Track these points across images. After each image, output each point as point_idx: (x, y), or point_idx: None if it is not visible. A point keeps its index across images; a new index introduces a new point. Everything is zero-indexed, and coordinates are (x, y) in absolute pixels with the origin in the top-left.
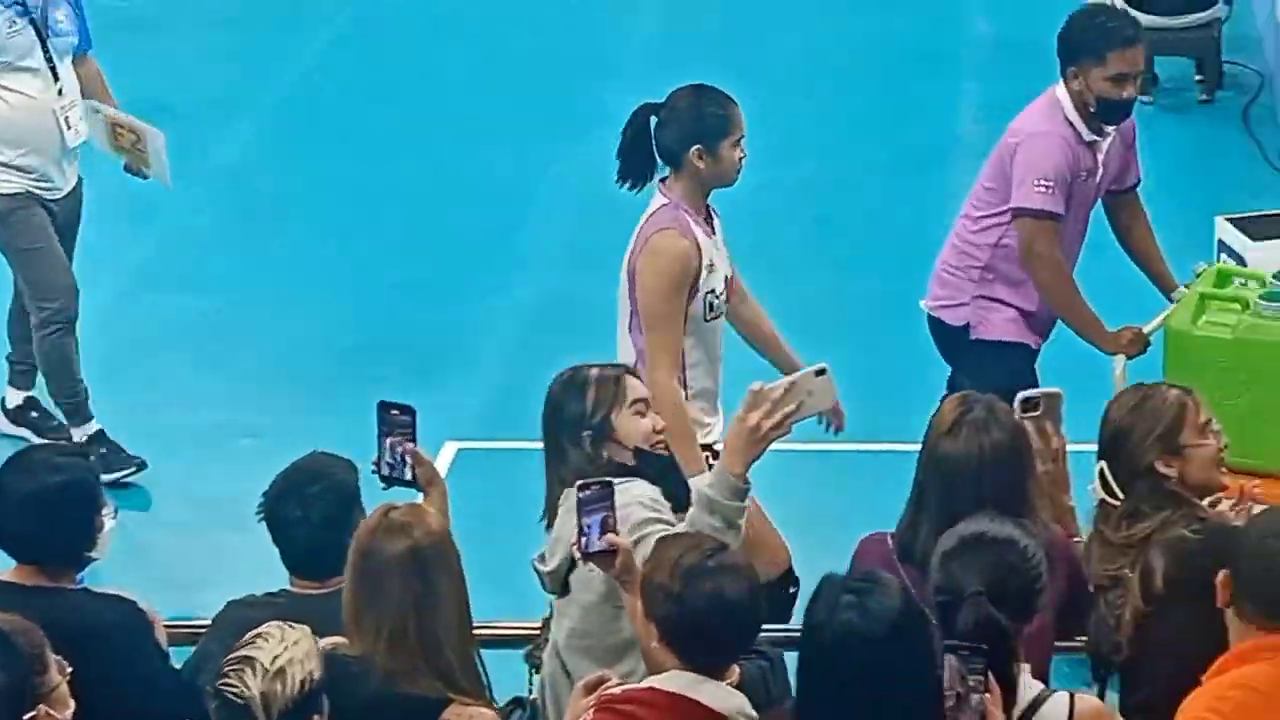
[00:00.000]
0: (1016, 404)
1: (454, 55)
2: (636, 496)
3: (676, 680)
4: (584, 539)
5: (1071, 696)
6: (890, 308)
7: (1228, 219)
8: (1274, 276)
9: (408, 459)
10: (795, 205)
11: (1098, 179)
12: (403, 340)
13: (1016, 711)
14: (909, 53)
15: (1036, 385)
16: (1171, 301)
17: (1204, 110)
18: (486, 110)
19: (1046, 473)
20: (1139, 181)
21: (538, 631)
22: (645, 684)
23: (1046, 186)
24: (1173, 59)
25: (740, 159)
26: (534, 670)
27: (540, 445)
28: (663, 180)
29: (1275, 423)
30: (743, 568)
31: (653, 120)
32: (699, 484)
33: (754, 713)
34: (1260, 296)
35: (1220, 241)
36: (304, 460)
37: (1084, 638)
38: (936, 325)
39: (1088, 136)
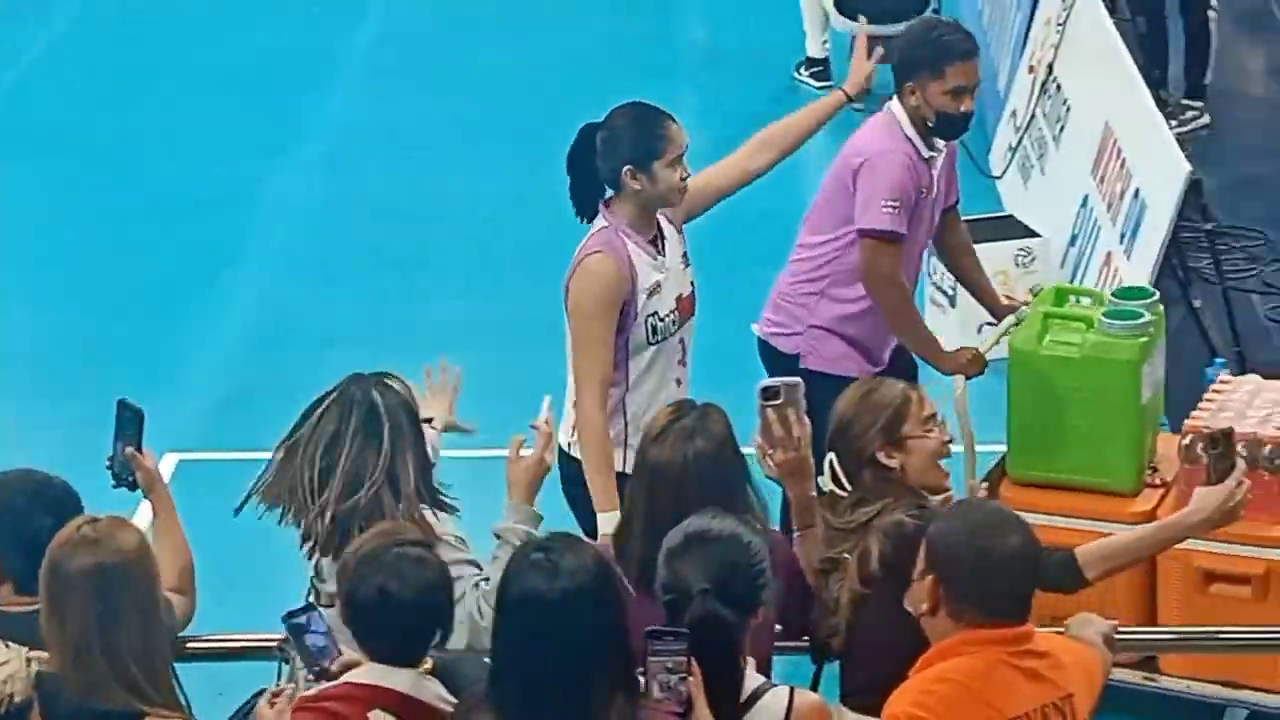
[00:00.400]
0: (757, 392)
1: (167, 64)
2: (442, 535)
3: (370, 673)
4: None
5: (792, 690)
6: None
7: None
8: (1115, 294)
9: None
10: (514, 212)
11: (934, 195)
12: (121, 352)
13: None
14: (628, 60)
15: None
16: (998, 320)
17: None
18: (204, 119)
19: (787, 461)
20: (959, 199)
21: (265, 642)
22: (340, 680)
23: (893, 207)
24: (886, 67)
25: (681, 178)
26: (284, 663)
27: (263, 455)
28: (606, 202)
29: (1120, 441)
30: (410, 563)
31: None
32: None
33: (450, 697)
34: (1105, 315)
35: None
36: (12, 475)
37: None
38: (767, 350)
39: (925, 153)
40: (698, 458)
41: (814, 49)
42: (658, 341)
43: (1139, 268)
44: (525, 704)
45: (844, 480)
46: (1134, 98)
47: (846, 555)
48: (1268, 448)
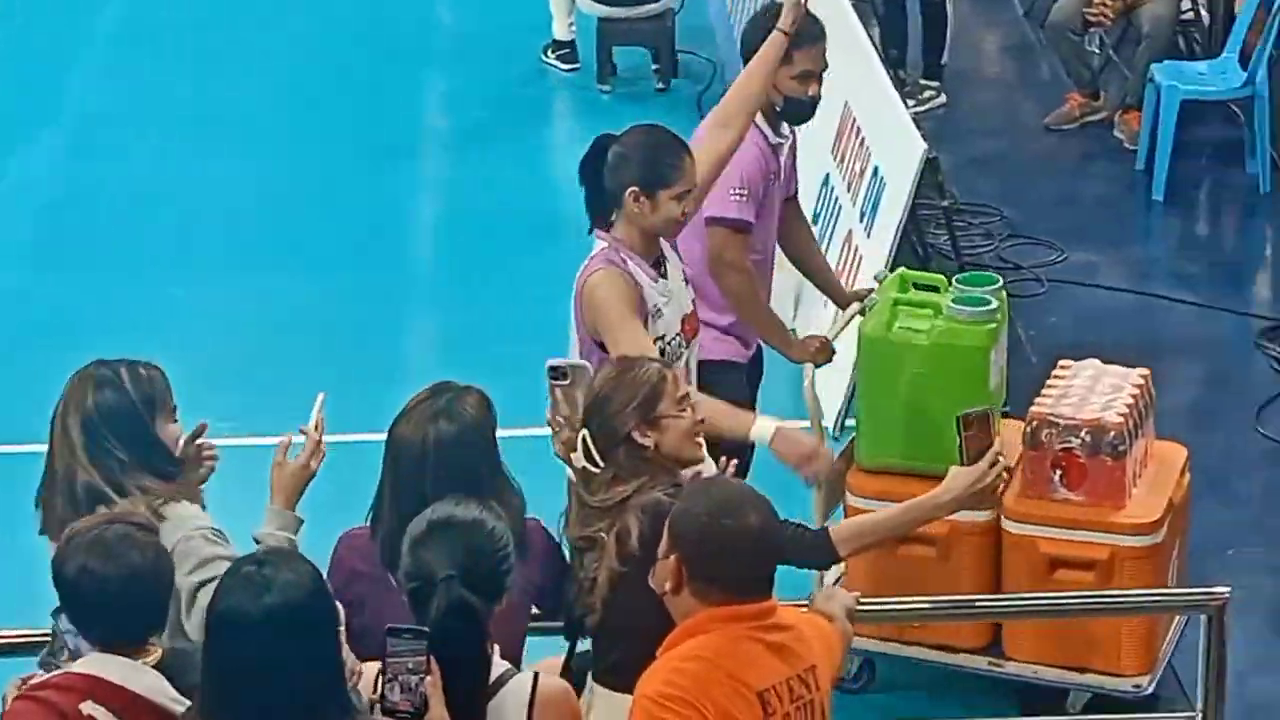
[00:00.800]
0: (546, 372)
1: None
2: (200, 529)
3: (89, 662)
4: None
5: (535, 675)
6: (356, 298)
7: None
8: (960, 281)
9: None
10: (268, 197)
11: (781, 182)
12: None
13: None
14: (379, 45)
15: (750, 399)
16: (843, 309)
17: (661, 98)
18: None
19: (569, 440)
20: (798, 189)
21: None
22: (63, 670)
23: (741, 195)
24: (630, 49)
25: (683, 214)
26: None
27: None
28: (607, 224)
29: None
30: (119, 542)
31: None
32: None
33: (173, 691)
34: (953, 301)
35: None
36: None
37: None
38: None
39: (774, 139)
40: (439, 439)
41: (560, 32)
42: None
43: (878, 245)
44: None
45: (597, 457)
46: (872, 78)
47: (603, 534)
48: (1111, 434)
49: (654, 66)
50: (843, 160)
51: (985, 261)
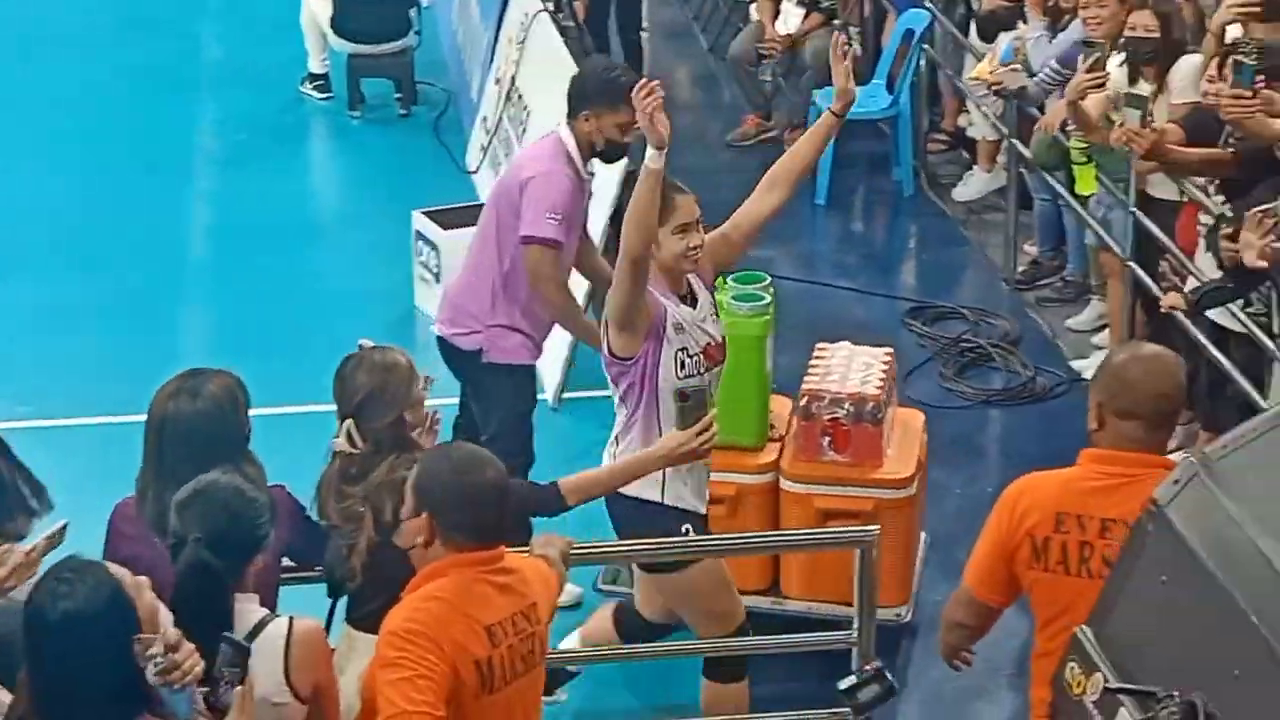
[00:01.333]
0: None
1: None
2: None
3: None
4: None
5: (291, 619)
6: (135, 294)
7: (424, 213)
8: (733, 280)
9: None
10: (58, 210)
11: (585, 209)
12: None
13: (241, 634)
14: (156, 77)
15: (535, 399)
16: None
17: (403, 123)
18: None
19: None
20: (587, 220)
21: None
22: None
23: (555, 219)
24: (376, 80)
25: (689, 246)
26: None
27: None
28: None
29: (749, 406)
30: None
31: None
32: None
33: None
34: (732, 298)
35: (418, 232)
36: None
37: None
38: (448, 348)
39: (585, 174)
40: (178, 414)
41: (315, 66)
42: (684, 378)
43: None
44: None
45: (358, 439)
46: None
47: (360, 509)
48: (870, 404)
49: (397, 95)
50: None
51: None
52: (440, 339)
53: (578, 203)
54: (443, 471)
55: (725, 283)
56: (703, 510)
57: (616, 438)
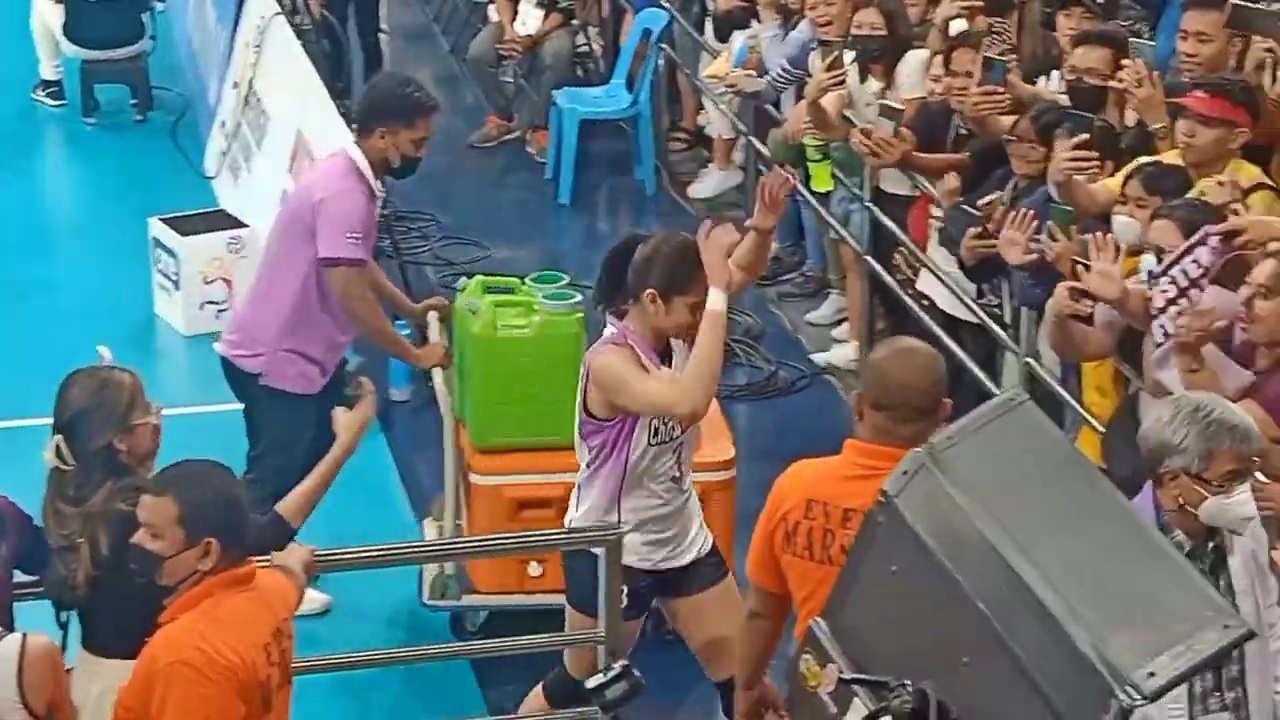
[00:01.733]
0: None
1: None
2: None
3: None
4: None
5: (24, 635)
6: None
7: (161, 219)
8: (533, 280)
9: None
10: None
11: (374, 226)
12: None
13: None
14: None
15: (318, 427)
16: (408, 317)
17: (139, 129)
18: None
19: None
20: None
21: None
22: None
23: (356, 238)
24: (110, 86)
25: (695, 321)
26: None
27: None
28: (620, 312)
29: (567, 401)
30: None
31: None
32: None
33: None
34: (545, 298)
35: (154, 239)
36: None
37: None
38: (230, 367)
39: (378, 192)
40: None
41: (47, 72)
42: (658, 444)
43: None
44: None
45: (68, 456)
46: (321, 108)
47: (78, 539)
48: None
49: (132, 101)
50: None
51: (424, 260)
52: (223, 358)
53: (372, 219)
54: (208, 494)
55: (525, 284)
56: (648, 567)
57: (580, 489)
